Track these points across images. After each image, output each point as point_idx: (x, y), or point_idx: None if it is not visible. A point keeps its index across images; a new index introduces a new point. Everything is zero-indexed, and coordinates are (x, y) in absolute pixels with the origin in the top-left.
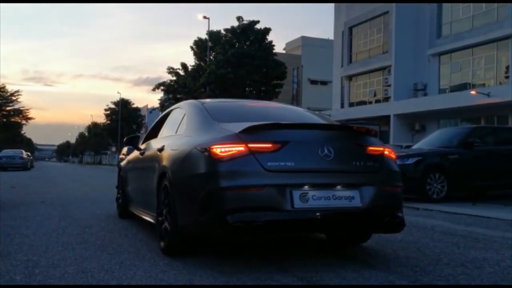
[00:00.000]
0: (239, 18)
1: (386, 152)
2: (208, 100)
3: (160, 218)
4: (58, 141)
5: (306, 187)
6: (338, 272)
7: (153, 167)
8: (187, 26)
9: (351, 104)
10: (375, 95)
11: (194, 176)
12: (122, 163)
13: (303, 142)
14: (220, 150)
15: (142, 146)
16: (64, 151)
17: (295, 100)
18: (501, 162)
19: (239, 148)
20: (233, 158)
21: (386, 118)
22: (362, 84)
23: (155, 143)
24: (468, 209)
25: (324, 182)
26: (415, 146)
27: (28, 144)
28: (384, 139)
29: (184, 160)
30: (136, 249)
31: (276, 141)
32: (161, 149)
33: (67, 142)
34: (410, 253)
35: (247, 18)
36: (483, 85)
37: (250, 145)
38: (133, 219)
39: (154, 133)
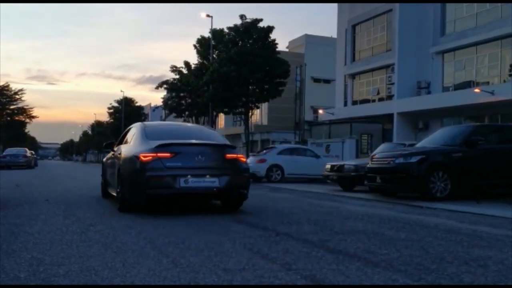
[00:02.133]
0: (242, 17)
1: (237, 157)
2: (150, 123)
3: (118, 190)
4: (62, 139)
5: (188, 176)
6: (342, 270)
7: (116, 163)
8: (190, 25)
9: (354, 103)
10: (378, 93)
11: (131, 170)
12: (104, 160)
13: (187, 152)
14: (143, 156)
15: (115, 149)
16: (68, 150)
17: (298, 98)
18: (505, 160)
19: (153, 156)
20: (150, 161)
21: (390, 117)
22: (365, 82)
23: (119, 148)
24: (472, 208)
25: (198, 173)
26: (419, 145)
27: (32, 142)
28: (387, 138)
29: (128, 161)
30: (140, 247)
31: (172, 152)
32: (120, 153)
33: (71, 141)
34: (414, 252)
35: (250, 16)
36: (487, 83)
37: (158, 154)
38: (134, 216)
39: (122, 140)
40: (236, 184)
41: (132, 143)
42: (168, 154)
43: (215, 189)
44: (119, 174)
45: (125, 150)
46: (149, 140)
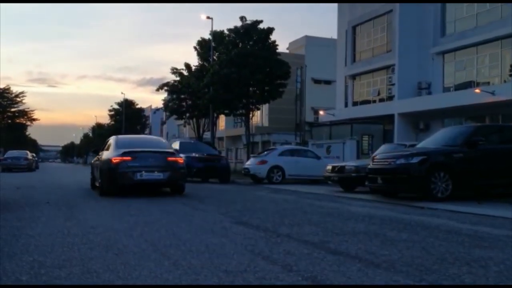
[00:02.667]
0: (242, 18)
1: (176, 160)
2: (122, 136)
3: (100, 181)
4: (63, 142)
5: (142, 172)
6: (343, 271)
7: (99, 164)
8: (190, 27)
9: (355, 103)
10: (379, 94)
11: (106, 168)
12: (92, 161)
13: (142, 156)
14: (114, 159)
15: (100, 154)
16: (69, 152)
17: (299, 99)
18: (506, 160)
19: (120, 159)
20: (118, 163)
21: (390, 117)
22: (366, 83)
23: (102, 154)
24: (473, 208)
25: (149, 170)
26: (420, 145)
27: (33, 145)
28: (388, 138)
29: (105, 162)
30: (141, 249)
31: (132, 156)
32: (100, 157)
33: (72, 143)
34: (415, 252)
35: (250, 18)
36: (488, 83)
37: (123, 158)
38: (136, 218)
39: (104, 147)
40: (175, 177)
41: (109, 150)
42: (129, 158)
43: (162, 180)
44: (100, 171)
45: (105, 155)
46: (119, 148)
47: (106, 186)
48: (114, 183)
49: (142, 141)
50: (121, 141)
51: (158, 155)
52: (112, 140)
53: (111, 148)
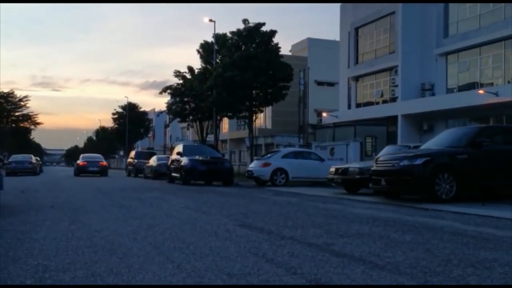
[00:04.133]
0: (245, 21)
1: (103, 163)
2: (85, 154)
3: (75, 171)
4: (67, 145)
5: (90, 167)
6: (347, 273)
7: (75, 164)
8: (193, 30)
9: (358, 105)
10: (382, 95)
11: (77, 166)
12: (75, 164)
13: (91, 162)
14: (80, 163)
15: (77, 161)
16: (73, 156)
17: (302, 102)
18: (510, 161)
19: (82, 163)
20: (81, 164)
21: (394, 119)
22: (369, 85)
23: (77, 161)
24: (477, 209)
25: (93, 167)
26: (423, 147)
27: (37, 149)
28: (392, 140)
29: (77, 164)
30: (145, 252)
31: (87, 162)
32: (76, 162)
33: (76, 147)
34: (420, 254)
35: (252, 20)
36: (491, 84)
37: (83, 162)
38: (140, 221)
39: (78, 157)
40: (102, 170)
41: (79, 159)
42: (85, 163)
43: (97, 171)
44: (75, 168)
45: (77, 161)
46: (82, 159)
47: (76, 173)
48: (79, 172)
49: (91, 155)
50: (84, 156)
51: (96, 161)
52: (81, 155)
53: (80, 159)
